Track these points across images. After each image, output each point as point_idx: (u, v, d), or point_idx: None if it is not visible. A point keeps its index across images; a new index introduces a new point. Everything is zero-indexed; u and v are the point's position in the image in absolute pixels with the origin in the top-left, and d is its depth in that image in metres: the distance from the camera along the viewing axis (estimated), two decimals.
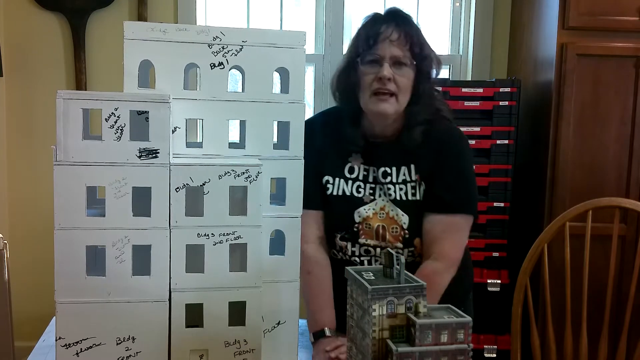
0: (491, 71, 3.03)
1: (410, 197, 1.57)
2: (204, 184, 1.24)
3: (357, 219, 1.60)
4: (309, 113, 2.59)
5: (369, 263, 1.63)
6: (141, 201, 1.23)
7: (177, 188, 1.23)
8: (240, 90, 1.35)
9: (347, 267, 1.12)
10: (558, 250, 1.94)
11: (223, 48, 1.31)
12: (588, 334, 1.77)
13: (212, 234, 1.26)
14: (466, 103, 2.60)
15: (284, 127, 1.39)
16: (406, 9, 1.63)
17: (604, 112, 2.48)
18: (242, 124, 1.36)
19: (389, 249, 1.10)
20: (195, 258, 1.26)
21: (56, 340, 1.23)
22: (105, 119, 1.20)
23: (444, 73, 3.10)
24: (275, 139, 1.42)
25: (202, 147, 1.33)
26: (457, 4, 3.10)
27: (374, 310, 1.00)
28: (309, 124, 1.39)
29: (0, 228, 2.79)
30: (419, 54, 1.55)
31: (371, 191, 1.61)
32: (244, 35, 1.32)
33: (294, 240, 1.38)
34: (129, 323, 1.24)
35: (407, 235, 1.57)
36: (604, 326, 1.77)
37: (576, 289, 1.78)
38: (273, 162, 1.35)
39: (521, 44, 2.88)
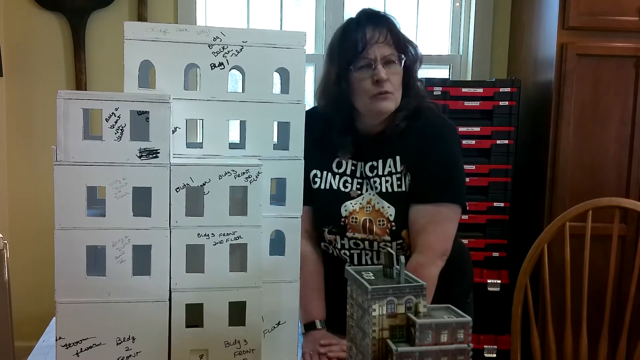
0: (491, 71, 3.03)
1: (396, 189, 1.57)
2: (204, 184, 1.24)
3: (343, 213, 1.61)
4: None
5: (359, 256, 1.64)
6: (141, 201, 1.23)
7: (178, 188, 1.23)
8: (241, 91, 1.35)
9: (347, 267, 1.12)
10: (558, 250, 1.95)
11: (223, 48, 1.31)
12: (588, 334, 1.77)
13: (212, 234, 1.26)
14: (466, 103, 2.60)
15: (284, 128, 1.39)
16: (378, 7, 1.64)
17: (604, 112, 2.48)
18: (242, 124, 1.36)
19: (388, 249, 1.11)
20: (195, 258, 1.27)
21: (56, 340, 1.23)
22: (106, 119, 1.20)
23: (444, 73, 3.10)
24: (275, 139, 1.42)
25: (202, 147, 1.33)
26: (457, 4, 3.10)
27: (374, 310, 1.00)
28: None
29: (0, 228, 2.79)
30: (403, 49, 1.56)
31: (358, 186, 1.61)
32: (244, 36, 1.32)
33: (294, 240, 1.38)
34: (129, 323, 1.24)
35: (394, 227, 1.57)
36: (604, 326, 1.77)
37: (576, 289, 1.78)
38: (273, 163, 1.35)
39: (521, 44, 2.89)
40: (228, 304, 1.28)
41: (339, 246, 1.64)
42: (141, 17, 2.85)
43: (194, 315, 1.27)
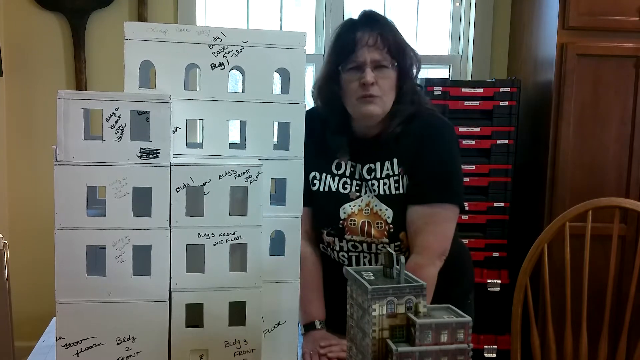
0: (491, 71, 3.03)
1: (393, 191, 1.57)
2: (204, 184, 1.24)
3: (342, 216, 1.61)
4: None
5: (357, 258, 1.64)
6: (141, 201, 1.23)
7: (178, 188, 1.23)
8: (241, 91, 1.35)
9: (347, 267, 1.12)
10: (558, 250, 1.95)
11: (223, 48, 1.31)
12: (588, 334, 1.77)
13: (213, 234, 1.26)
14: (466, 103, 2.60)
15: (284, 128, 1.39)
16: (380, 10, 1.63)
17: (604, 112, 2.48)
18: (243, 124, 1.36)
19: (388, 249, 1.11)
20: (195, 258, 1.27)
21: (56, 340, 1.23)
22: (106, 119, 1.20)
23: (444, 73, 3.10)
24: (275, 140, 1.42)
25: (202, 147, 1.34)
26: (457, 4, 3.10)
27: (374, 310, 1.00)
28: None
29: (0, 228, 2.79)
30: (398, 54, 1.55)
31: (357, 187, 1.61)
32: (244, 36, 1.32)
33: (294, 240, 1.38)
34: (129, 323, 1.24)
35: (391, 230, 1.57)
36: (604, 326, 1.77)
37: (576, 289, 1.78)
38: (273, 163, 1.35)
39: (521, 44, 2.89)
40: (228, 304, 1.28)
41: (337, 248, 1.64)
42: (141, 17, 2.85)
43: (194, 315, 1.27)
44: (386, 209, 1.57)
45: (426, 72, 3.03)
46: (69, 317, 1.23)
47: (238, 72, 1.37)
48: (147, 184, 1.22)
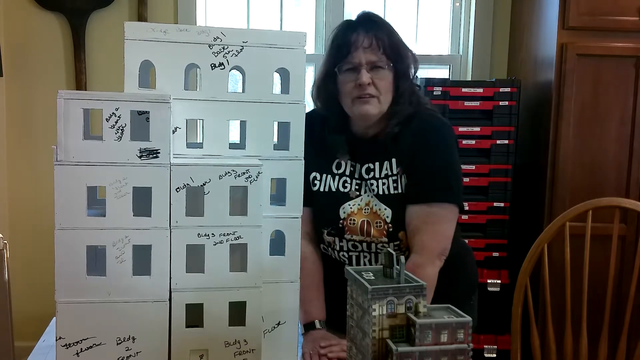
0: (491, 71, 3.03)
1: (392, 191, 1.58)
2: (204, 184, 1.24)
3: (342, 215, 1.61)
4: None
5: (357, 257, 1.64)
6: (141, 201, 1.23)
7: (178, 188, 1.24)
8: (241, 91, 1.35)
9: (347, 267, 1.12)
10: (558, 250, 1.94)
11: (223, 48, 1.31)
12: (588, 334, 1.77)
13: (213, 234, 1.26)
14: (466, 103, 2.60)
15: (284, 128, 1.39)
16: (378, 12, 1.63)
17: (604, 112, 2.48)
18: (243, 124, 1.36)
19: (388, 249, 1.11)
20: (195, 258, 1.27)
21: (56, 340, 1.23)
22: (106, 119, 1.20)
23: (444, 73, 3.10)
24: (275, 140, 1.42)
25: (202, 147, 1.34)
26: (457, 4, 3.10)
27: (374, 310, 1.00)
28: None
29: (0, 228, 2.79)
30: (394, 55, 1.55)
31: (357, 187, 1.62)
32: (244, 36, 1.32)
33: (294, 240, 1.38)
34: (129, 323, 1.24)
35: (390, 229, 1.57)
36: (604, 326, 1.77)
37: (576, 289, 1.78)
38: (273, 163, 1.35)
39: (521, 44, 2.89)
40: (228, 304, 1.28)
41: (337, 248, 1.65)
42: (141, 17, 2.85)
43: (194, 315, 1.27)
44: (385, 209, 1.57)
45: (426, 72, 3.03)
46: (69, 317, 1.23)
47: (238, 72, 1.37)
48: (147, 184, 1.22)
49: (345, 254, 1.64)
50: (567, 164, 2.49)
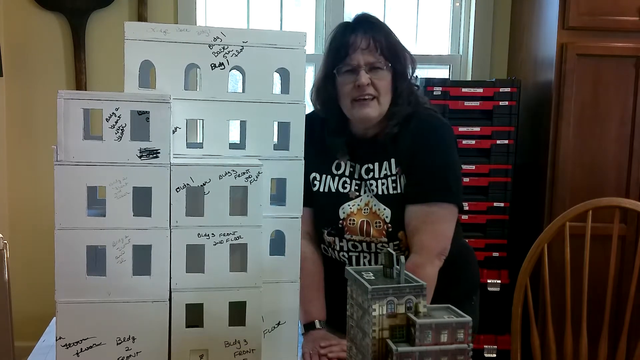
0: (491, 71, 3.03)
1: (391, 191, 1.58)
2: (204, 184, 1.24)
3: (341, 215, 1.62)
4: None
5: (357, 257, 1.64)
6: (142, 201, 1.23)
7: (178, 188, 1.24)
8: (241, 91, 1.35)
9: (347, 267, 1.12)
10: (558, 250, 1.95)
11: (224, 49, 1.31)
12: (588, 334, 1.77)
13: (213, 234, 1.26)
14: (466, 103, 2.60)
15: (284, 128, 1.39)
16: (375, 13, 1.64)
17: (604, 112, 2.48)
18: (243, 124, 1.36)
19: (388, 249, 1.11)
20: (195, 258, 1.27)
21: (56, 340, 1.23)
22: (106, 119, 1.20)
23: (444, 73, 3.10)
24: (275, 140, 1.42)
25: (202, 147, 1.34)
26: (457, 4, 3.10)
27: (374, 310, 1.00)
28: None
29: (0, 228, 2.79)
30: (392, 56, 1.56)
31: (357, 187, 1.62)
32: (244, 36, 1.32)
33: (294, 240, 1.38)
34: (129, 323, 1.24)
35: (390, 229, 1.58)
36: (604, 326, 1.77)
37: (576, 289, 1.78)
38: (273, 163, 1.35)
39: (521, 44, 2.89)
40: (228, 304, 1.28)
41: (337, 248, 1.65)
42: (141, 17, 2.85)
43: (194, 315, 1.27)
44: (384, 209, 1.57)
45: (426, 72, 3.03)
46: (69, 317, 1.23)
47: (238, 72, 1.37)
48: (147, 184, 1.22)
49: (345, 254, 1.65)
50: (567, 164, 2.49)
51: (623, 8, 2.43)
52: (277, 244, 1.38)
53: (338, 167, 1.65)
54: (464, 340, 1.00)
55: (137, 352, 1.25)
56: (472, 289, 1.78)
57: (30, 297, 2.84)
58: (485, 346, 2.64)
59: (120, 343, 1.24)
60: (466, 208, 2.48)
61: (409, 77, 1.61)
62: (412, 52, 1.63)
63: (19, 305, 2.52)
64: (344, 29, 1.59)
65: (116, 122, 1.20)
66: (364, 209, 1.60)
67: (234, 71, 1.35)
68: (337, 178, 1.64)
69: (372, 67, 1.54)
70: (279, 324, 1.39)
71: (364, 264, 1.64)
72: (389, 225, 1.58)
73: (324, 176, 1.65)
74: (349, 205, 1.62)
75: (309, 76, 2.98)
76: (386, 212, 1.57)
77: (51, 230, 1.21)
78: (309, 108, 1.56)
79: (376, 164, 1.60)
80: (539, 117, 2.64)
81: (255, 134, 1.34)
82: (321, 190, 1.65)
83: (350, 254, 1.64)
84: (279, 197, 1.40)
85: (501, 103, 2.59)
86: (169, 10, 2.92)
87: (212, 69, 1.31)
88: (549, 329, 1.78)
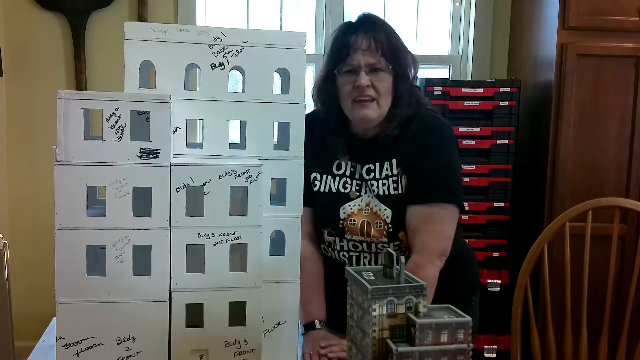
0: (491, 71, 3.03)
1: (392, 192, 1.58)
2: (204, 184, 1.24)
3: (342, 215, 1.62)
4: None
5: (357, 258, 1.64)
6: (142, 201, 1.23)
7: (178, 188, 1.23)
8: (241, 91, 1.35)
9: (347, 267, 1.12)
10: (558, 250, 1.95)
11: (224, 49, 1.31)
12: (588, 334, 1.77)
13: (213, 234, 1.26)
14: (466, 103, 2.60)
15: (284, 128, 1.39)
16: (378, 14, 1.64)
17: (604, 112, 2.48)
18: (243, 124, 1.36)
19: (389, 249, 1.11)
20: (195, 258, 1.27)
21: (56, 340, 1.23)
22: (106, 119, 1.20)
23: (444, 73, 3.10)
24: (275, 140, 1.42)
25: (202, 147, 1.34)
26: (457, 4, 3.10)
27: (374, 310, 1.00)
28: None
29: (1, 228, 2.79)
30: (393, 57, 1.55)
31: (357, 187, 1.62)
32: (244, 36, 1.32)
33: (294, 240, 1.38)
34: (129, 323, 1.24)
35: (390, 230, 1.58)
36: (604, 326, 1.77)
37: (576, 289, 1.78)
38: (273, 163, 1.35)
39: (521, 44, 2.89)
40: (228, 304, 1.28)
41: (338, 248, 1.65)
42: (141, 17, 2.85)
43: (194, 315, 1.27)
44: (385, 209, 1.57)
45: (426, 72, 3.03)
46: (69, 317, 1.23)
47: (238, 72, 1.37)
48: (147, 184, 1.22)
49: (345, 254, 1.65)
50: (567, 164, 2.49)
51: (623, 8, 2.43)
52: (277, 244, 1.38)
53: (339, 167, 1.65)
54: (464, 340, 1.00)
55: (137, 352, 1.25)
56: (472, 289, 1.78)
57: (30, 297, 2.84)
58: (485, 346, 2.64)
59: (120, 343, 1.24)
60: (466, 208, 2.48)
61: (411, 79, 1.61)
62: (412, 52, 1.63)
63: (19, 305, 2.52)
64: (346, 28, 1.58)
65: (116, 122, 1.20)
66: (365, 209, 1.60)
67: (234, 71, 1.35)
68: (337, 178, 1.64)
69: (372, 68, 1.53)
70: (279, 324, 1.39)
71: (364, 264, 1.64)
72: (390, 225, 1.58)
73: (324, 176, 1.65)
74: (349, 205, 1.62)
75: (309, 76, 2.99)
76: (387, 213, 1.57)
77: (51, 230, 1.21)
78: (309, 108, 1.56)
79: (377, 165, 1.60)
80: (539, 117, 2.64)
81: (255, 134, 1.34)
82: (322, 190, 1.65)
83: (350, 254, 1.64)
84: (279, 197, 1.40)
85: (501, 103, 2.59)
86: (169, 10, 2.92)
87: (212, 69, 1.31)
88: (549, 329, 1.78)
